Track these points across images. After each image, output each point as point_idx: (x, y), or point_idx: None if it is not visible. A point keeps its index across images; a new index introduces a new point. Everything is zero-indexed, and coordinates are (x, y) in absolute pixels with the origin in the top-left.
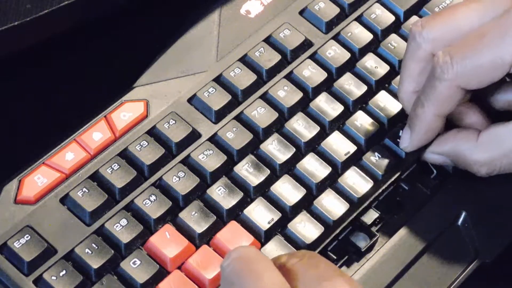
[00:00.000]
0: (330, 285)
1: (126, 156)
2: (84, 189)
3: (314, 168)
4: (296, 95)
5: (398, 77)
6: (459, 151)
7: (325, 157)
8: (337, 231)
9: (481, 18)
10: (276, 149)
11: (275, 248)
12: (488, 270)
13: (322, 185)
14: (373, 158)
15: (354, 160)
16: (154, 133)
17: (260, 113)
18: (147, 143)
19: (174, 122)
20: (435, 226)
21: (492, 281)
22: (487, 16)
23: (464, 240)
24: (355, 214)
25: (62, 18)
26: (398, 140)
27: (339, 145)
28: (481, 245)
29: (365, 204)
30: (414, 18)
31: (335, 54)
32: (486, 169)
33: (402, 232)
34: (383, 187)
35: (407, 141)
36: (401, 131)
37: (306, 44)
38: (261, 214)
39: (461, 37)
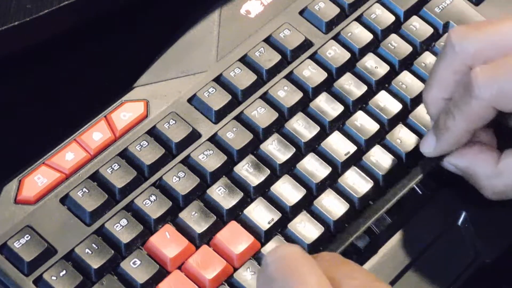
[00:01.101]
0: None
1: (126, 156)
2: (84, 189)
3: (314, 168)
4: (296, 95)
5: (398, 77)
6: (475, 172)
7: (325, 157)
8: (351, 239)
9: None
10: (276, 149)
11: None
12: (488, 270)
13: (322, 185)
14: (373, 158)
15: (354, 160)
16: (154, 133)
17: (260, 113)
18: (147, 143)
19: (174, 122)
20: (435, 226)
21: (492, 281)
22: None
23: (464, 240)
24: (370, 222)
25: (62, 18)
26: (398, 140)
27: (339, 145)
28: (481, 245)
29: (379, 214)
30: (414, 18)
31: (335, 54)
32: (498, 196)
33: (402, 232)
34: (397, 195)
35: (431, 147)
36: (400, 131)
37: (306, 44)
38: (261, 214)
39: (502, 55)
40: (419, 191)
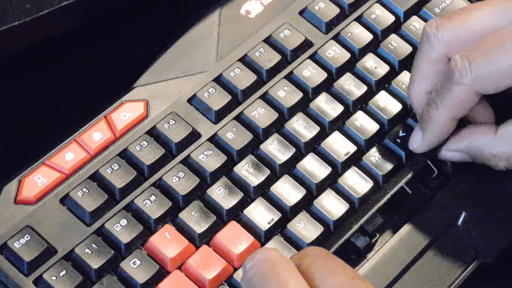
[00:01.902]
0: None
1: (126, 156)
2: (84, 189)
3: (314, 168)
4: (296, 95)
5: (398, 77)
6: (476, 146)
7: (325, 157)
8: (346, 237)
9: (496, 22)
10: (276, 149)
11: None
12: (488, 270)
13: (322, 185)
14: (373, 158)
15: (354, 160)
16: (154, 133)
17: (260, 113)
18: (147, 143)
19: (174, 122)
20: (435, 226)
21: (492, 281)
22: (502, 20)
23: (464, 240)
24: (363, 220)
25: (62, 18)
26: (398, 140)
27: (339, 145)
28: (481, 245)
29: (371, 212)
30: (414, 18)
31: (335, 54)
32: (505, 163)
33: (402, 232)
34: (388, 193)
35: (418, 142)
36: (400, 131)
37: (306, 44)
38: (261, 214)
39: (475, 40)
40: (418, 191)
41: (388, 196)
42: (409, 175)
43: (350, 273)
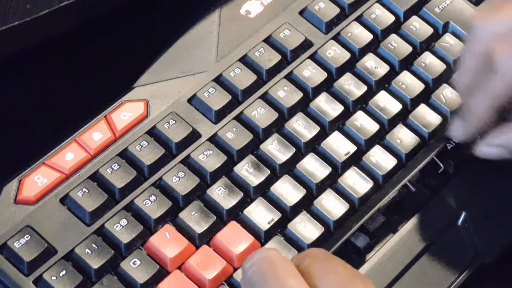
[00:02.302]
0: None
1: (126, 156)
2: (84, 189)
3: (314, 168)
4: (296, 95)
5: (398, 77)
6: None
7: (325, 157)
8: (346, 237)
9: None
10: (276, 149)
11: None
12: (488, 270)
13: (322, 185)
14: (373, 158)
15: (354, 160)
16: (154, 133)
17: (260, 113)
18: (147, 143)
19: (174, 122)
20: (435, 226)
21: (492, 281)
22: None
23: (464, 240)
24: (363, 220)
25: (62, 18)
26: (398, 140)
27: (339, 145)
28: (481, 245)
29: (371, 212)
30: (414, 18)
31: (335, 54)
32: None
33: (402, 232)
34: (388, 193)
35: (458, 130)
36: (400, 131)
37: (306, 44)
38: (261, 214)
39: None
40: (418, 191)
41: (389, 196)
42: (409, 175)
43: (350, 272)
